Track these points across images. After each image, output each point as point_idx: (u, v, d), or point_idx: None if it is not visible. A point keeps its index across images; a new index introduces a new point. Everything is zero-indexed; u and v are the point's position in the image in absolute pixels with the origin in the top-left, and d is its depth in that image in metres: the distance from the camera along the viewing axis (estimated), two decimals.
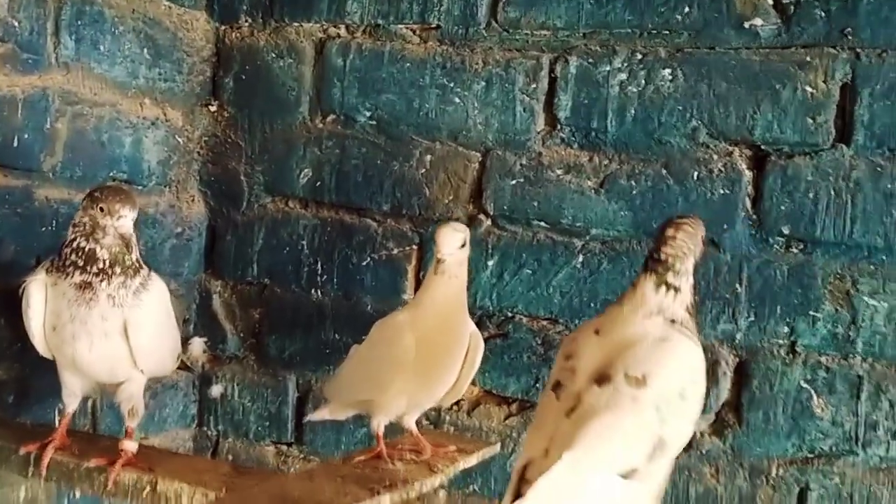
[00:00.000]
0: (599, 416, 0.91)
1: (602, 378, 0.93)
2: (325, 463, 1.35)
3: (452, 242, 1.18)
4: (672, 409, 0.92)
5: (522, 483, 0.91)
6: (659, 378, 0.92)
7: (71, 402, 1.25)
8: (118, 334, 1.16)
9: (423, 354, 1.18)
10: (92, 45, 1.49)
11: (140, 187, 1.61)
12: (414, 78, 1.58)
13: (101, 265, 1.13)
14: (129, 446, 1.21)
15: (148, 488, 1.16)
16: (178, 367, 1.46)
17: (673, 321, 0.95)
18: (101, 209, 1.12)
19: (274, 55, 1.68)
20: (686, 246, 0.98)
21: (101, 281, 1.13)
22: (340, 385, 1.32)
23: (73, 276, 1.13)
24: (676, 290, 0.96)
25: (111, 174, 1.55)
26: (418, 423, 1.54)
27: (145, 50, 1.60)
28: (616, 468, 0.91)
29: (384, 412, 1.25)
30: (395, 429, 1.30)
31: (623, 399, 0.91)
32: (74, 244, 1.13)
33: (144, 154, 1.62)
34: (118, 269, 1.14)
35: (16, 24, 1.37)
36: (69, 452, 1.22)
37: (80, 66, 1.47)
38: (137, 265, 1.16)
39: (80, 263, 1.12)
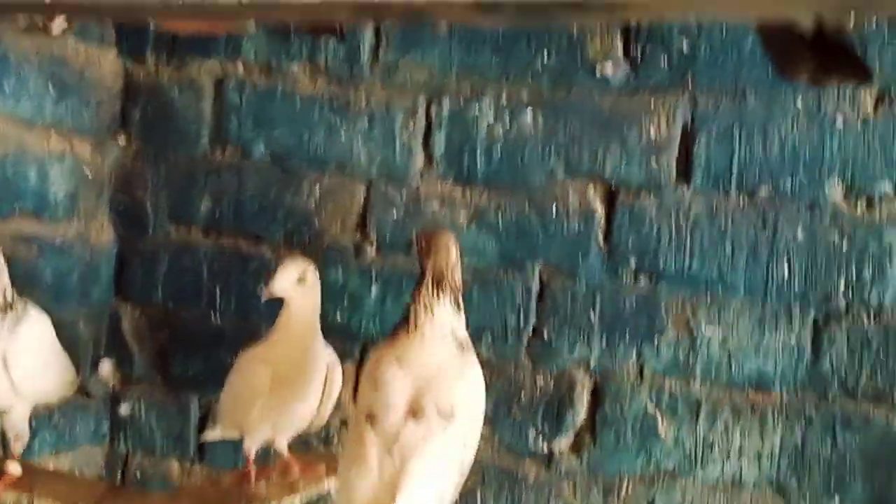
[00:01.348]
0: (420, 453, 1.00)
1: (416, 411, 1.02)
2: (192, 486, 1.45)
3: (284, 278, 1.28)
4: (471, 433, 1.03)
5: None
6: (462, 408, 1.03)
7: None
8: None
9: (279, 385, 1.28)
10: None
11: (47, 218, 1.71)
12: (304, 114, 1.68)
13: None
14: (13, 469, 1.31)
15: None
16: (80, 393, 1.56)
17: (461, 343, 1.06)
18: None
19: (177, 90, 1.78)
20: (458, 261, 1.09)
21: None
22: (217, 411, 1.42)
23: None
24: (460, 307, 1.07)
25: (17, 206, 1.64)
26: (307, 444, 1.64)
27: (51, 87, 1.69)
28: (438, 498, 1.01)
29: (252, 437, 1.35)
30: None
31: (437, 432, 1.01)
32: None
33: (51, 186, 1.71)
34: None
35: None
36: None
37: None
38: (10, 301, 1.26)
39: None
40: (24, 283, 1.58)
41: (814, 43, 1.07)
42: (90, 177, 1.79)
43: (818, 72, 1.09)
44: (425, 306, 1.07)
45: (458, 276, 1.10)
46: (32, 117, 1.66)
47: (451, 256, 1.09)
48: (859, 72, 1.13)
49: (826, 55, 1.07)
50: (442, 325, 1.06)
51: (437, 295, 1.07)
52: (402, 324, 1.11)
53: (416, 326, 1.08)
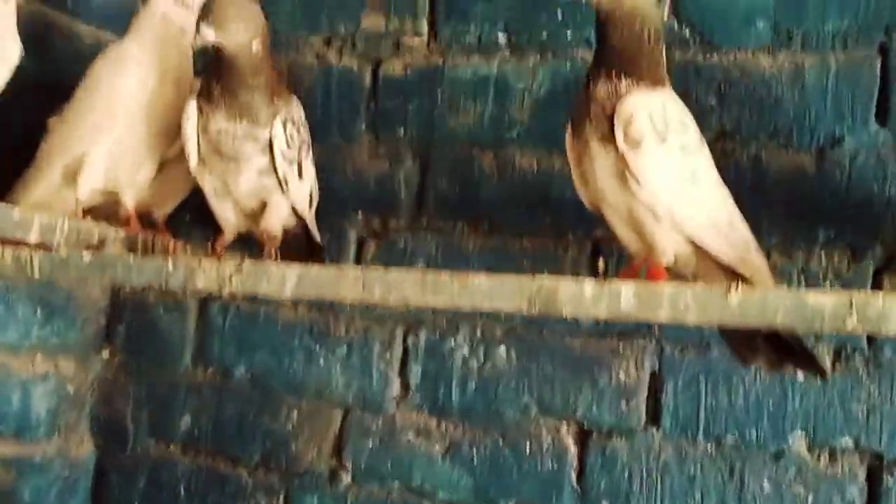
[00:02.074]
0: None
1: None
2: None
3: None
4: None
5: None
6: None
7: None
8: None
9: None
10: None
11: (28, 439, 1.72)
12: (284, 339, 1.72)
13: None
14: None
15: None
16: None
17: None
18: None
19: (162, 309, 1.83)
20: None
21: None
22: None
23: None
24: None
25: None
26: None
27: (39, 311, 1.73)
28: None
29: None
30: None
31: None
32: None
33: (33, 407, 1.73)
34: None
35: None
36: None
37: None
38: None
39: None
40: None
41: (768, 337, 1.13)
42: (72, 392, 1.81)
43: (774, 360, 1.14)
44: None
45: None
46: (18, 342, 1.70)
47: None
48: (814, 367, 1.18)
49: (781, 348, 1.13)
50: None
51: None
52: None
53: None
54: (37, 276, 1.20)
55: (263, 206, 1.30)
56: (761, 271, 1.12)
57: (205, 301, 1.80)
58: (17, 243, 1.21)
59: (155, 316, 1.83)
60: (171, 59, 1.38)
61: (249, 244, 1.49)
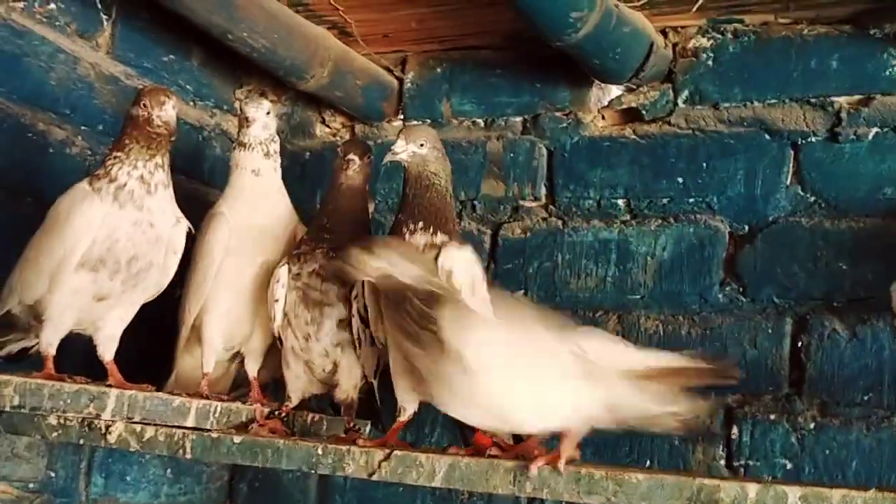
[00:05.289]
0: None
1: None
2: None
3: None
4: None
5: None
6: None
7: None
8: None
9: None
10: (120, 477, 1.69)
11: None
12: (406, 501, 1.72)
13: None
14: None
15: None
16: None
17: None
18: None
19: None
20: None
21: None
22: None
23: None
24: None
25: None
26: None
27: (168, 470, 1.78)
28: None
29: None
30: None
31: None
32: None
33: None
34: None
35: (52, 475, 1.57)
36: None
37: (107, 501, 1.66)
38: None
39: None
40: None
41: None
42: None
43: None
44: None
45: None
46: (148, 503, 1.74)
47: None
48: None
49: None
50: None
51: None
52: None
53: None
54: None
55: (334, 368, 1.35)
56: None
57: None
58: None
59: (277, 473, 1.85)
60: (264, 213, 1.45)
61: None
